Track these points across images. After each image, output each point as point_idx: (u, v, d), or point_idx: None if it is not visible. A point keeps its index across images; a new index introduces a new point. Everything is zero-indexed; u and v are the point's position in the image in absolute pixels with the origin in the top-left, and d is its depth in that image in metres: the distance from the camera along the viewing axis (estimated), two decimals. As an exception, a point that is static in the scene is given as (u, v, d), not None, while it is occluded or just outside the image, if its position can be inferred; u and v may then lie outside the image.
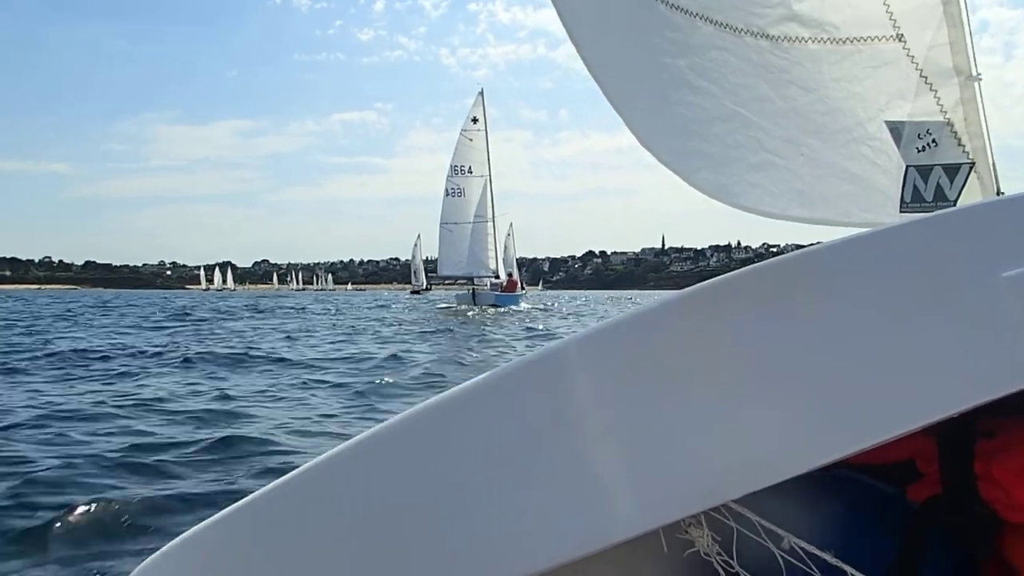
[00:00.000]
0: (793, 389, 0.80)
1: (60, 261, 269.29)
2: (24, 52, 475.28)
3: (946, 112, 2.44)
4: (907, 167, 2.50)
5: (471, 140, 44.19)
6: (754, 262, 0.88)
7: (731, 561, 1.14)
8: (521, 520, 0.85)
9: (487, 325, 26.12)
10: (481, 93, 45.31)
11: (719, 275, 0.86)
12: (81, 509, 4.15)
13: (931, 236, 0.82)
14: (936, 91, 2.44)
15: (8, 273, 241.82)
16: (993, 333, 0.77)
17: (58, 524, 4.00)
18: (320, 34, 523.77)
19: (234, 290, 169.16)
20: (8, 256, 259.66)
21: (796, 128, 2.57)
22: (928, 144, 2.46)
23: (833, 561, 1.06)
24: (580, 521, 0.84)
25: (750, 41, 2.54)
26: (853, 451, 0.78)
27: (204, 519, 1.02)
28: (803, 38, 2.53)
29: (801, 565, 1.09)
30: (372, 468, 0.93)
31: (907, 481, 1.31)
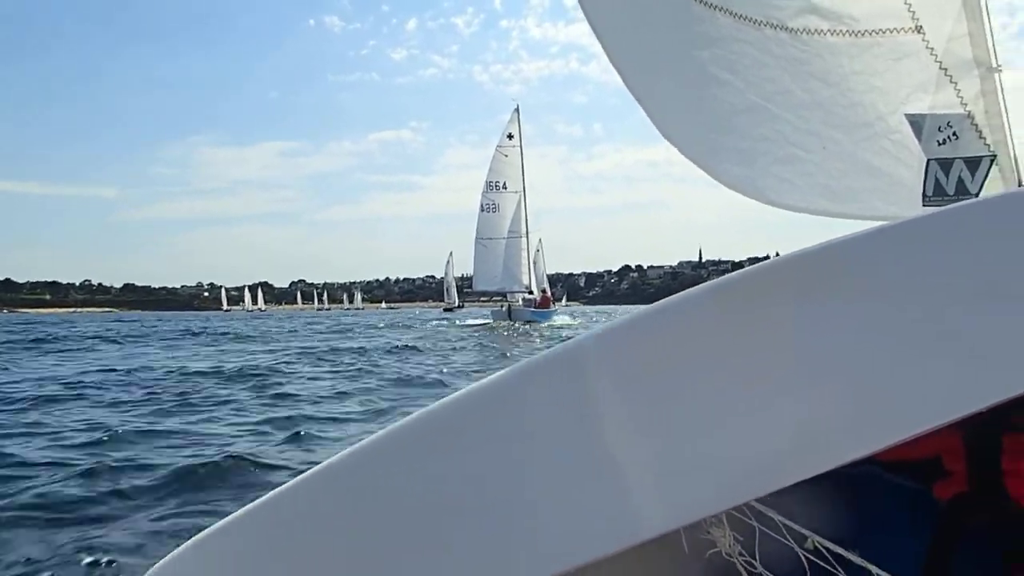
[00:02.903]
0: (817, 383, 0.78)
1: (99, 284, 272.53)
2: (79, 79, 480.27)
3: (966, 104, 2.43)
4: (928, 160, 2.49)
5: (506, 156, 44.49)
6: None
7: (754, 562, 1.13)
8: (540, 521, 0.83)
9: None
10: (517, 110, 45.69)
11: None
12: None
13: (963, 225, 0.79)
14: (956, 83, 2.44)
15: (48, 296, 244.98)
16: (1020, 325, 0.74)
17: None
18: (354, 55, 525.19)
19: (264, 310, 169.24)
20: (48, 280, 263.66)
21: (820, 122, 2.58)
22: (949, 137, 2.45)
23: (858, 561, 1.05)
24: (600, 521, 0.82)
25: (770, 33, 2.56)
26: (880, 447, 0.76)
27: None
28: (822, 30, 2.54)
29: (825, 565, 1.09)
30: (387, 467, 0.90)
31: (933, 479, 1.30)
